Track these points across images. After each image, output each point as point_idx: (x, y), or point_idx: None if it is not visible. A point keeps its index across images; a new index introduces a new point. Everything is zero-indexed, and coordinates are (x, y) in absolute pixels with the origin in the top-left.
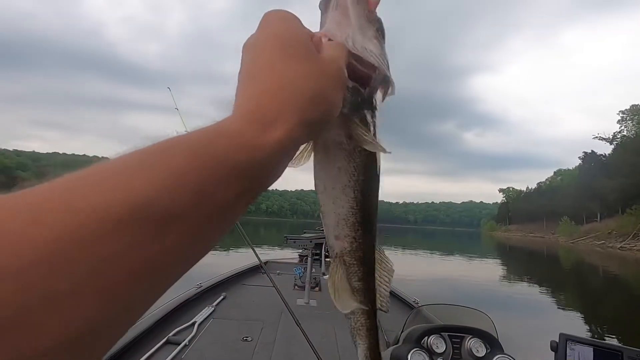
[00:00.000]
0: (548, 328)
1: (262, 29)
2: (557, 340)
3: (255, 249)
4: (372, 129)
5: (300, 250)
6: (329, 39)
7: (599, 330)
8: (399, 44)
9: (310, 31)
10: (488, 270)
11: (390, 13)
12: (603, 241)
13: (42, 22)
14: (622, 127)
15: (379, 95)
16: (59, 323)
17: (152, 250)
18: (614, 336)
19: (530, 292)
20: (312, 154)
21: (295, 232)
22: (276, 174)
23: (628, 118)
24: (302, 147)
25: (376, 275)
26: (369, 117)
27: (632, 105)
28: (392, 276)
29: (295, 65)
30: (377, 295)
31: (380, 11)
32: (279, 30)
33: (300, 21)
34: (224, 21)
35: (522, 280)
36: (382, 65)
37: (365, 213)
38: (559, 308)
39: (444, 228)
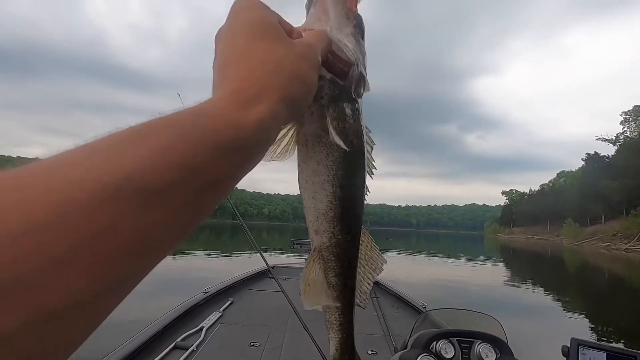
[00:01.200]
0: (556, 332)
1: (232, 18)
2: (569, 345)
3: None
4: (350, 122)
5: (307, 255)
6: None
7: (606, 333)
8: (400, 48)
9: (280, 17)
10: (493, 274)
11: (391, 17)
12: (608, 243)
13: (44, 30)
14: (625, 128)
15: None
16: (54, 290)
17: (141, 222)
18: (622, 341)
19: (535, 296)
20: (296, 149)
21: (298, 236)
22: (260, 151)
23: (631, 119)
24: (286, 139)
25: (359, 271)
26: (347, 111)
27: (635, 106)
28: (376, 274)
29: (270, 47)
30: (357, 292)
31: (381, 16)
32: (249, 17)
33: (267, 7)
34: None
35: (527, 284)
36: (358, 61)
37: (344, 208)
38: (564, 311)
39: (446, 231)
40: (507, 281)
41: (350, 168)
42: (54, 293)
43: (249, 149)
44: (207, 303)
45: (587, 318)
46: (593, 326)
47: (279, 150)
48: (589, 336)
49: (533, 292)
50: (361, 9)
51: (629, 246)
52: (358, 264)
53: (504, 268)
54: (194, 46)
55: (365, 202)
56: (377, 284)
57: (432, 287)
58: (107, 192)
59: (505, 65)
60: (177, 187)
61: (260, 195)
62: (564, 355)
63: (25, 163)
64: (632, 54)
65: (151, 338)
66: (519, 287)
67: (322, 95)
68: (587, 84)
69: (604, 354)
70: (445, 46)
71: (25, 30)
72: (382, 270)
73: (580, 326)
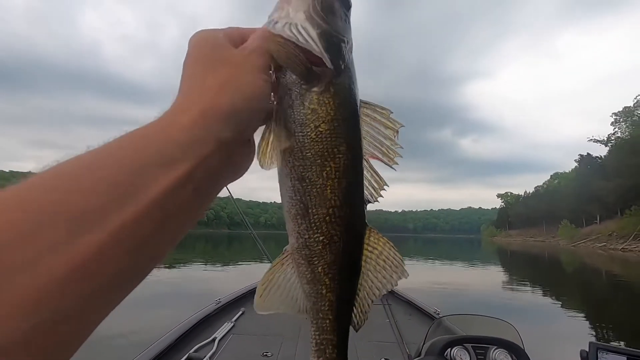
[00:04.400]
0: (567, 336)
1: (188, 49)
2: (587, 350)
3: (260, 263)
4: (333, 102)
5: None
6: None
7: (623, 337)
8: (394, 54)
9: (229, 30)
10: (492, 277)
11: (385, 23)
12: (604, 243)
13: (37, 44)
14: (616, 129)
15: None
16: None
17: (92, 243)
18: (622, 342)
19: (538, 298)
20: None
21: None
22: (202, 155)
23: (621, 120)
24: (267, 147)
25: (364, 283)
26: (324, 90)
27: (625, 107)
28: (387, 287)
29: (203, 68)
30: (354, 309)
31: (376, 22)
32: (192, 47)
33: (216, 32)
34: None
35: (527, 286)
36: (305, 42)
37: (308, 205)
38: (568, 313)
39: (443, 235)
40: (506, 284)
41: (314, 160)
42: None
43: (187, 153)
44: (219, 314)
45: (597, 321)
46: (605, 329)
47: (261, 158)
48: (605, 340)
49: (533, 293)
50: (355, 14)
51: (625, 245)
52: (362, 274)
53: (502, 272)
54: None
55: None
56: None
57: (431, 291)
58: (41, 221)
59: (498, 69)
60: (111, 206)
61: (256, 204)
62: None
63: (18, 177)
64: (622, 56)
65: (165, 350)
66: (519, 290)
67: (297, 78)
68: (579, 86)
69: (624, 358)
70: (439, 51)
71: (18, 44)
72: (395, 284)
73: (593, 330)
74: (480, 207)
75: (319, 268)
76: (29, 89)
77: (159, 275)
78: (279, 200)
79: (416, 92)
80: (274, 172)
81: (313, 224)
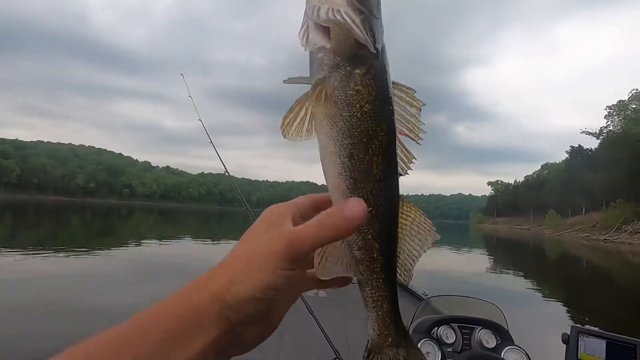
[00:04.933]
0: (548, 319)
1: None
2: (569, 333)
3: None
4: (370, 84)
5: None
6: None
7: (605, 321)
8: (392, 37)
9: (297, 207)
10: (477, 262)
11: (383, 6)
12: (587, 234)
13: (23, 3)
14: (609, 122)
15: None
16: None
17: None
18: (597, 327)
19: (517, 283)
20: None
21: None
22: (212, 336)
23: (615, 113)
24: (301, 116)
25: (403, 244)
26: (366, 72)
27: (619, 101)
28: (423, 250)
29: (244, 243)
30: (398, 268)
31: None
32: (260, 218)
33: (287, 206)
34: (212, 6)
35: (508, 272)
36: (350, 28)
37: (358, 180)
38: (544, 297)
39: (433, 220)
40: (490, 269)
41: (359, 136)
42: None
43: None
44: None
45: (576, 307)
46: (583, 314)
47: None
48: (582, 324)
49: (515, 278)
50: None
51: (607, 237)
52: (400, 239)
53: (488, 256)
54: (181, 25)
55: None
56: None
57: (420, 273)
58: None
59: (496, 57)
60: None
61: (248, 182)
62: (564, 343)
63: (5, 144)
64: (620, 49)
65: None
66: (502, 274)
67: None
68: (575, 78)
69: (603, 342)
70: (437, 36)
71: (3, 4)
72: (430, 246)
73: (570, 314)
74: (470, 194)
75: (369, 235)
76: (13, 52)
77: (164, 252)
78: (270, 178)
79: (413, 76)
80: (265, 151)
81: (362, 198)
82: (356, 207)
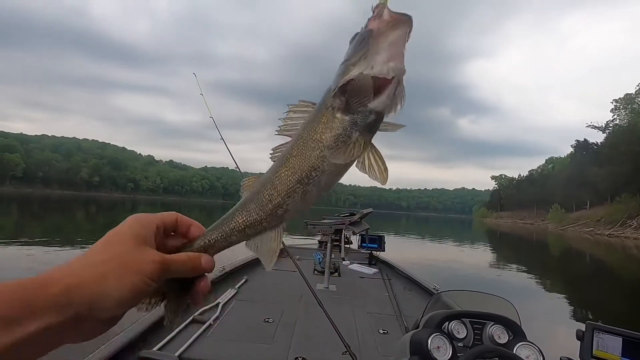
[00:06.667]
0: (554, 314)
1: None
2: (584, 330)
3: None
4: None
5: (320, 236)
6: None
7: (620, 319)
8: None
9: (158, 225)
10: (480, 257)
11: None
12: (592, 228)
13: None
14: (615, 116)
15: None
16: None
17: None
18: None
19: (519, 278)
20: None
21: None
22: (48, 322)
23: (621, 107)
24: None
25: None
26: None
27: (626, 94)
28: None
29: (104, 246)
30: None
31: None
32: (124, 223)
33: (151, 218)
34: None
35: (511, 266)
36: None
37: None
38: (547, 292)
39: (436, 214)
40: (494, 264)
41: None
42: None
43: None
44: (223, 280)
45: (582, 302)
46: (598, 309)
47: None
48: (596, 320)
49: (518, 272)
50: None
51: (612, 231)
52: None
53: (491, 251)
54: (184, 20)
55: (357, 184)
56: (389, 266)
57: (427, 267)
58: None
59: (500, 50)
60: None
61: (251, 175)
62: (578, 339)
63: (9, 138)
64: (627, 42)
65: None
66: (506, 269)
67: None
68: (581, 71)
69: (619, 339)
70: (440, 28)
71: None
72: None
73: (585, 310)
74: (474, 188)
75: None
76: (14, 44)
77: None
78: None
79: (416, 68)
80: (267, 144)
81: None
82: (209, 263)
